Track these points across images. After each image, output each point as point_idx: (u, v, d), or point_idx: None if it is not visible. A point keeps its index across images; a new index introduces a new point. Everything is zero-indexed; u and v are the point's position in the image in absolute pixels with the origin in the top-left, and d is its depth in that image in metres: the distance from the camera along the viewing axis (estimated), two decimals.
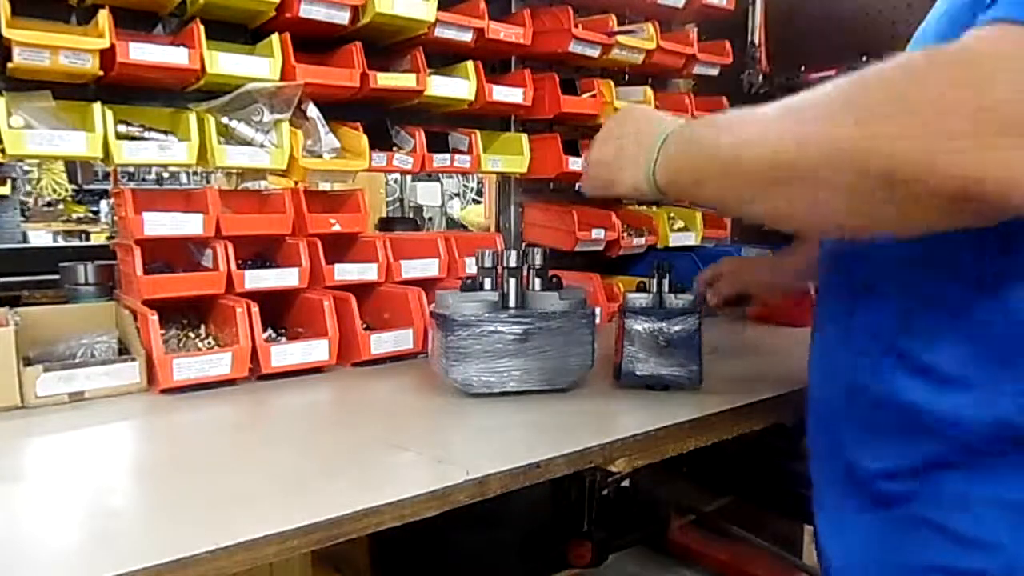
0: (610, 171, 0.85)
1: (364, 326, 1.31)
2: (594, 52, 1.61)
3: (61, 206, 6.25)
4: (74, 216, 6.26)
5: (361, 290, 1.35)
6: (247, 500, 0.75)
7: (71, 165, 5.74)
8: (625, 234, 1.72)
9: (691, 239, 1.82)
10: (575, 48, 1.58)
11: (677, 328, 1.11)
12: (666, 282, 1.18)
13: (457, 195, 5.99)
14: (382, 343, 1.30)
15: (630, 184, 0.82)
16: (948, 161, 0.50)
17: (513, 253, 1.09)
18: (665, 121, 0.80)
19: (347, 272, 1.34)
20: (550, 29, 1.57)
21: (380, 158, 1.39)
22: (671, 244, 1.79)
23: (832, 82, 0.58)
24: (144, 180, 6.34)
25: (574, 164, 1.63)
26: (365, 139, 1.36)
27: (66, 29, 1.18)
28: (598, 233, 1.67)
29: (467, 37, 1.45)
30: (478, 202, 5.86)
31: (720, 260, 1.42)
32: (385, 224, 2.37)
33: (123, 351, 1.17)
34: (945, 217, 0.54)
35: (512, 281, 1.09)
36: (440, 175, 5.29)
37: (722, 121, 0.69)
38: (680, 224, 1.84)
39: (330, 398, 1.17)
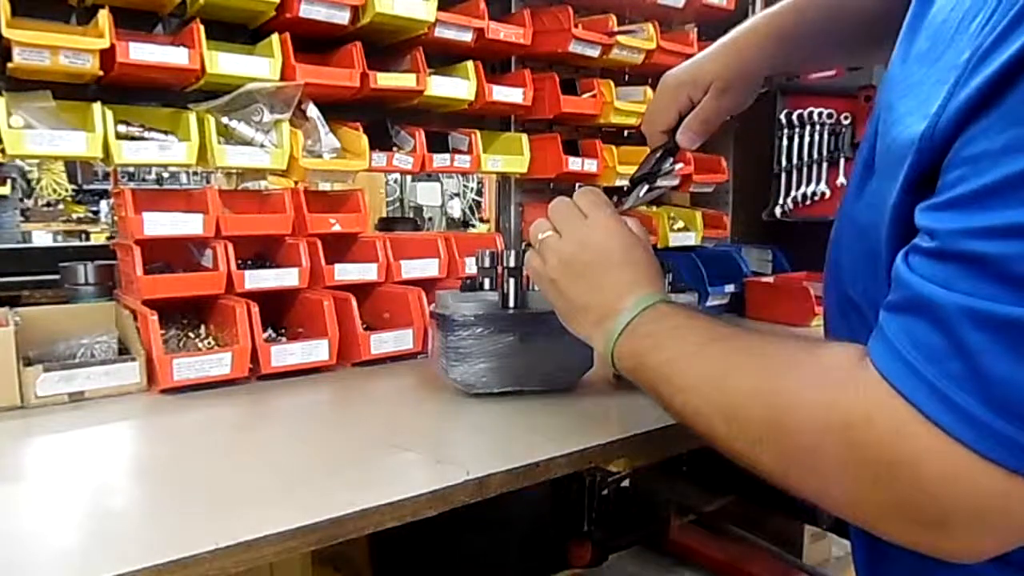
0: (566, 308, 0.83)
1: (364, 326, 1.31)
2: (594, 52, 1.61)
3: (61, 206, 6.25)
4: (74, 216, 6.26)
5: (361, 290, 1.35)
6: (247, 500, 0.75)
7: (71, 165, 5.75)
8: None
9: (691, 239, 1.82)
10: (575, 48, 1.58)
11: None
12: (666, 282, 1.18)
13: (457, 195, 6.00)
14: (382, 343, 1.30)
15: (583, 336, 0.81)
16: (889, 531, 0.53)
17: (513, 253, 1.09)
18: (616, 299, 0.76)
19: (347, 272, 1.34)
20: (550, 29, 1.57)
21: (380, 158, 1.38)
22: (671, 244, 1.78)
23: (768, 363, 0.60)
24: (144, 180, 6.36)
25: (574, 164, 1.63)
26: (365, 139, 1.35)
27: (66, 29, 1.18)
28: None
29: (467, 37, 1.45)
30: (478, 203, 5.87)
31: (659, 92, 1.01)
32: (385, 224, 2.37)
33: (123, 351, 1.17)
34: None
35: (512, 281, 1.09)
36: (440, 175, 5.30)
37: (660, 362, 0.69)
38: (680, 224, 1.84)
39: (330, 398, 1.17)
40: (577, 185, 1.76)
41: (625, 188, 1.02)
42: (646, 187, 1.00)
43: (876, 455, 0.50)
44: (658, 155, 1.00)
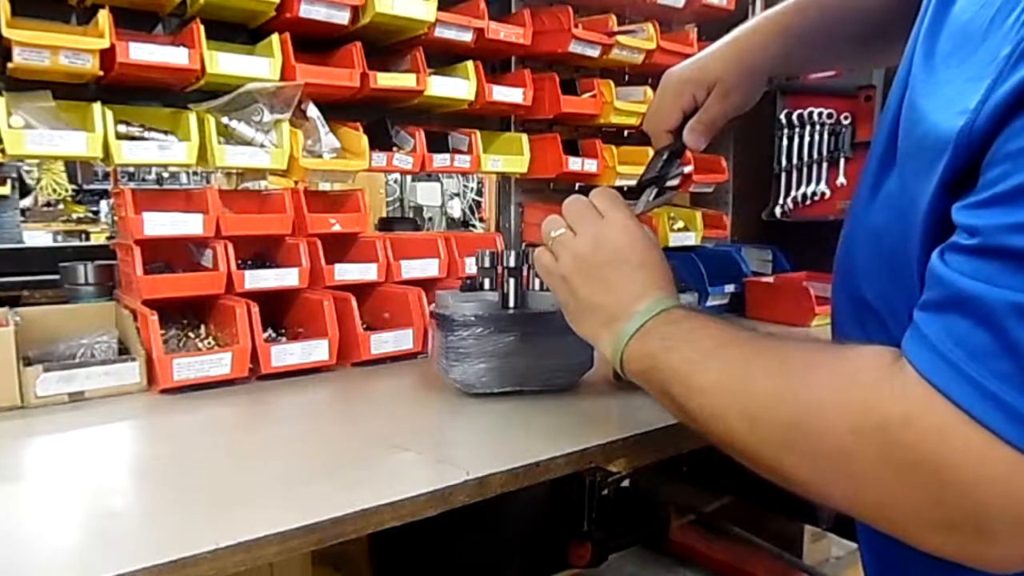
0: (575, 307, 0.81)
1: (364, 326, 1.31)
2: (594, 52, 1.61)
3: (61, 206, 6.25)
4: (74, 216, 6.26)
5: (361, 290, 1.35)
6: (247, 500, 0.75)
7: (71, 165, 5.75)
8: None
9: (691, 239, 1.82)
10: (575, 48, 1.58)
11: None
12: None
13: (457, 195, 5.99)
14: (382, 343, 1.30)
15: (590, 336, 0.80)
16: (925, 539, 0.50)
17: (513, 253, 1.09)
18: (631, 301, 0.75)
19: (347, 272, 1.34)
20: (550, 29, 1.57)
21: (380, 158, 1.38)
22: (671, 244, 1.79)
23: (791, 368, 0.58)
24: (144, 180, 6.35)
25: (574, 164, 1.63)
26: (365, 139, 1.36)
27: (66, 29, 1.18)
28: None
29: (467, 37, 1.45)
30: (478, 203, 5.86)
31: (661, 90, 0.99)
32: (385, 224, 2.37)
33: (123, 351, 1.17)
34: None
35: (512, 281, 1.09)
36: (440, 175, 5.29)
37: (676, 363, 0.67)
38: (680, 224, 1.84)
39: (330, 398, 1.17)
40: (577, 185, 1.76)
41: (626, 189, 1.01)
42: (655, 191, 0.98)
43: (915, 457, 0.48)
44: (664, 157, 0.99)
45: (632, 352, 0.73)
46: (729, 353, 0.64)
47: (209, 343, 1.22)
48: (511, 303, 1.09)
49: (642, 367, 0.72)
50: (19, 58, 1.06)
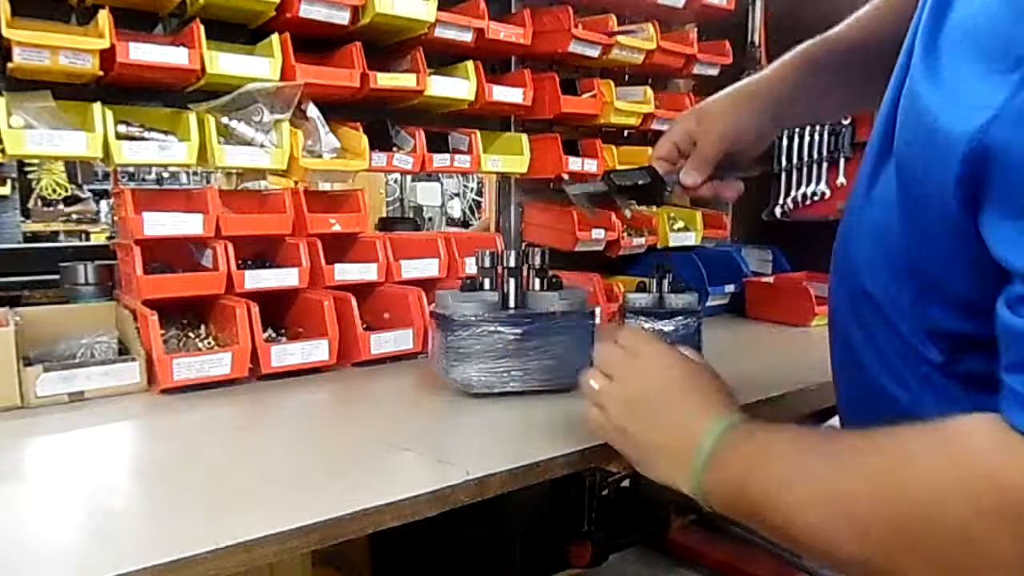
0: (641, 454, 0.75)
1: (364, 326, 1.31)
2: (594, 52, 1.61)
3: (61, 206, 6.26)
4: (74, 216, 6.26)
5: (361, 290, 1.35)
6: (247, 500, 0.75)
7: (71, 165, 5.75)
8: (625, 234, 1.72)
9: (691, 239, 1.82)
10: (575, 48, 1.58)
11: (677, 328, 1.11)
12: (666, 282, 1.18)
13: (457, 195, 5.99)
14: (382, 343, 1.30)
15: (666, 480, 0.73)
16: None
17: (513, 253, 1.09)
18: (692, 417, 0.71)
19: (347, 272, 1.34)
20: (550, 29, 1.57)
21: (380, 158, 1.38)
22: (671, 244, 1.79)
23: (886, 469, 0.53)
24: (144, 180, 6.35)
25: (574, 164, 1.63)
26: (365, 139, 1.36)
27: (66, 29, 1.18)
28: (598, 233, 1.67)
29: (467, 37, 1.45)
30: (478, 203, 5.86)
31: (675, 125, 1.00)
32: (385, 224, 2.37)
33: (123, 351, 1.17)
34: None
35: (512, 281, 1.09)
36: (440, 175, 5.29)
37: (763, 483, 0.61)
38: (680, 224, 1.84)
39: (330, 398, 1.17)
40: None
41: (601, 177, 1.02)
42: (603, 189, 1.00)
43: None
44: (639, 175, 0.99)
45: (710, 485, 0.67)
46: (814, 459, 0.59)
47: (209, 343, 1.22)
48: (511, 303, 1.09)
49: (728, 500, 0.66)
50: (19, 58, 1.06)
